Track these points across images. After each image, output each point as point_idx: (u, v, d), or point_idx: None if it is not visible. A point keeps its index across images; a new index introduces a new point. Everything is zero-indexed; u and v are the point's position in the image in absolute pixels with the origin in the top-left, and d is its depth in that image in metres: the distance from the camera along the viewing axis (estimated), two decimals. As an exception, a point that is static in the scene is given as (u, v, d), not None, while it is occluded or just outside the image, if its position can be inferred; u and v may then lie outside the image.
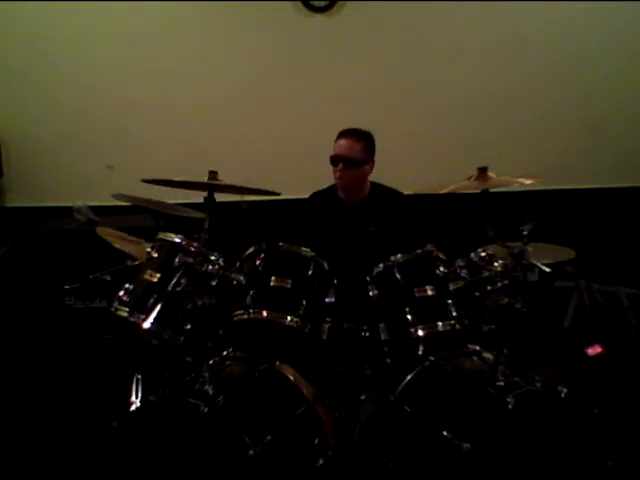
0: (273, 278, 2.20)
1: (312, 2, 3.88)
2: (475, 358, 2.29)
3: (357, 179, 2.83)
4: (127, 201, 2.61)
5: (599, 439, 1.96)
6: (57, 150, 3.98)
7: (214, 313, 2.11)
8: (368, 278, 2.33)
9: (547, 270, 2.11)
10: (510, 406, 1.89)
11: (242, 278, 2.18)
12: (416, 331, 2.17)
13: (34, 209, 3.92)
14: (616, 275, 3.92)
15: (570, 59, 4.00)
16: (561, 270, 3.63)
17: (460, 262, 2.23)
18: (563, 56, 4.00)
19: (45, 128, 3.94)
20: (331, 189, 2.91)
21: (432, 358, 2.24)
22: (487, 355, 2.27)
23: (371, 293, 2.31)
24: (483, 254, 2.16)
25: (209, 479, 1.92)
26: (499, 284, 2.07)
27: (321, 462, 2.08)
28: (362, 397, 2.42)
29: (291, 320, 2.15)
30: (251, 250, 2.29)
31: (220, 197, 2.24)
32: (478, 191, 2.22)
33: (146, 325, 2.07)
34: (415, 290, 2.21)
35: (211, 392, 2.02)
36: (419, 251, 2.30)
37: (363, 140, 2.79)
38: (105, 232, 2.55)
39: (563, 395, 1.97)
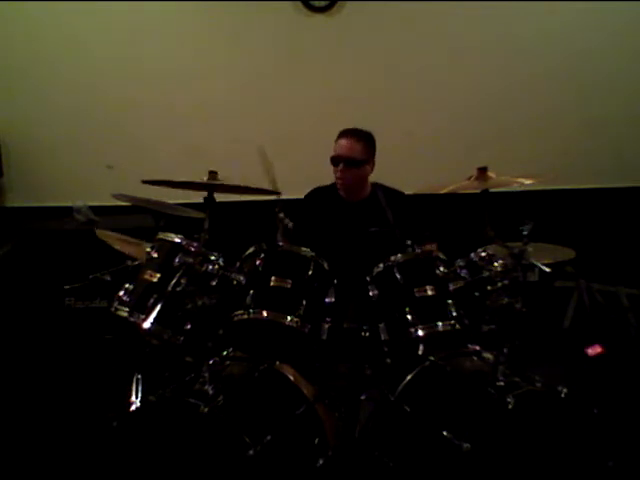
0: (273, 278, 2.20)
1: (312, 2, 3.88)
2: (475, 358, 2.29)
3: (358, 179, 2.83)
4: (127, 201, 2.61)
5: (599, 439, 1.96)
6: (57, 150, 3.98)
7: (214, 313, 2.11)
8: (368, 278, 2.33)
9: (547, 270, 2.11)
10: (510, 406, 1.89)
11: (242, 278, 2.17)
12: (416, 331, 2.17)
13: (34, 209, 3.92)
14: (616, 275, 3.92)
15: (570, 59, 4.01)
16: (561, 270, 3.63)
17: (460, 262, 2.22)
18: (563, 56, 4.00)
19: (45, 128, 3.94)
20: (333, 187, 2.90)
21: (432, 358, 2.24)
22: (487, 355, 2.27)
23: (371, 293, 2.31)
24: (483, 254, 2.16)
25: (209, 479, 1.92)
26: (499, 284, 2.07)
27: (321, 462, 2.08)
28: (362, 397, 2.42)
29: (291, 320, 2.15)
30: (251, 250, 2.29)
31: (220, 197, 2.24)
32: (478, 191, 2.22)
33: (146, 325, 2.06)
34: (415, 290, 2.21)
35: (211, 392, 2.02)
36: (419, 251, 2.31)
37: (364, 140, 2.79)
38: (105, 235, 2.55)
39: (563, 395, 1.97)
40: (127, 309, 2.11)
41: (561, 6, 3.93)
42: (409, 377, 2.21)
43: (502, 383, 2.02)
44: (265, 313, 2.15)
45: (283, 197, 2.43)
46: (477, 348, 2.32)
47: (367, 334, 2.36)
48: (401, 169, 3.73)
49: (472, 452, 1.87)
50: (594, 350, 3.25)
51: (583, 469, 1.96)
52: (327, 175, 2.85)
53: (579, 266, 3.63)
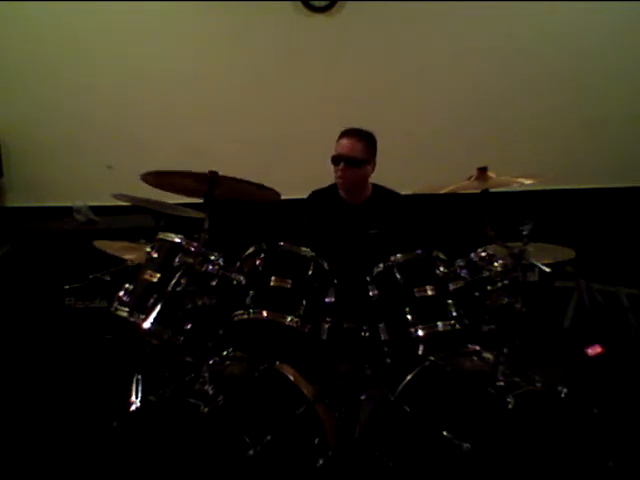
0: (273, 278, 2.20)
1: (312, 2, 3.88)
2: (475, 358, 2.28)
3: (358, 179, 2.83)
4: (127, 201, 2.61)
5: (599, 439, 1.96)
6: (57, 150, 3.97)
7: (214, 313, 2.11)
8: (368, 278, 2.33)
9: (547, 270, 2.11)
10: (510, 406, 1.89)
11: (242, 278, 2.17)
12: (416, 331, 2.17)
13: (34, 209, 3.92)
14: (616, 275, 3.92)
15: (570, 59, 4.01)
16: (561, 270, 3.63)
17: (460, 262, 2.23)
18: (563, 56, 4.00)
19: (45, 128, 3.93)
20: (331, 188, 2.91)
21: (432, 358, 2.24)
22: (487, 355, 2.27)
23: (371, 293, 2.31)
24: (483, 254, 2.16)
25: (209, 479, 1.92)
26: (499, 284, 2.07)
27: (321, 462, 2.08)
28: (362, 397, 2.42)
29: (291, 320, 2.15)
30: (251, 250, 2.29)
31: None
32: (478, 191, 2.22)
33: (146, 325, 2.06)
34: (415, 290, 2.21)
35: (211, 392, 2.02)
36: (419, 251, 2.31)
37: (365, 140, 2.79)
38: (103, 244, 2.56)
39: (563, 395, 1.97)
40: (127, 309, 2.11)
41: (561, 6, 3.93)
42: (409, 377, 2.21)
43: (502, 383, 2.02)
44: (265, 313, 2.15)
45: (283, 197, 2.43)
46: (477, 348, 2.32)
47: (367, 334, 2.36)
48: (401, 169, 3.73)
49: (472, 452, 1.87)
50: (594, 350, 3.26)
51: (583, 469, 1.95)
52: (327, 175, 2.84)
53: (579, 266, 3.63)
